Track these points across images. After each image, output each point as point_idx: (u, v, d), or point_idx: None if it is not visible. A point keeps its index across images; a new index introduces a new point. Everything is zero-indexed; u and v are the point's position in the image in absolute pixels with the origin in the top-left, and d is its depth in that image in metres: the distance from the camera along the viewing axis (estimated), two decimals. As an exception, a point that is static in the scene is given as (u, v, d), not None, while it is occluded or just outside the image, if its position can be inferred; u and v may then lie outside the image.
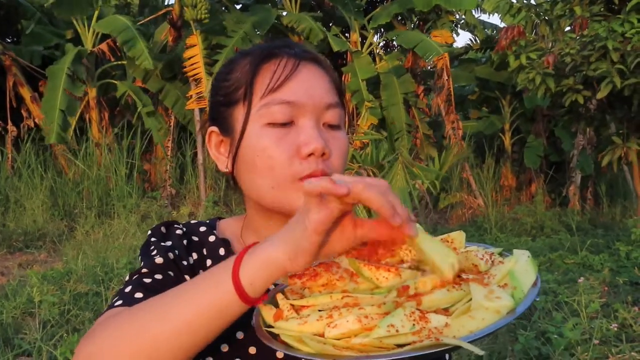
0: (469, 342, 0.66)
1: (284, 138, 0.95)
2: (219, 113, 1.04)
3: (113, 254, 6.40)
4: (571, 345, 3.95)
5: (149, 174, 10.86)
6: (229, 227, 1.12)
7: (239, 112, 0.99)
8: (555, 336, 4.01)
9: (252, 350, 0.98)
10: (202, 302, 0.77)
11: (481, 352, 0.66)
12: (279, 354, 0.97)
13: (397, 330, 0.68)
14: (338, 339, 0.70)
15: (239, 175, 1.02)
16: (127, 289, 0.93)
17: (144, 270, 0.97)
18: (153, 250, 1.01)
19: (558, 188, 11.29)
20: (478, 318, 0.68)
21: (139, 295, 0.90)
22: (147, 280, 0.94)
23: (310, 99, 0.97)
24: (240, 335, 0.98)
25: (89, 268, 5.75)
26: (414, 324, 0.68)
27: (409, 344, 0.68)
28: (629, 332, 4.30)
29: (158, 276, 0.96)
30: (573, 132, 10.79)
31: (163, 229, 1.08)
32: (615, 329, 4.21)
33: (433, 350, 0.66)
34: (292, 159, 0.94)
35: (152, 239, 1.05)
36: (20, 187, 9.02)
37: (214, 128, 1.05)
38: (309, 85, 0.98)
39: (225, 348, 0.98)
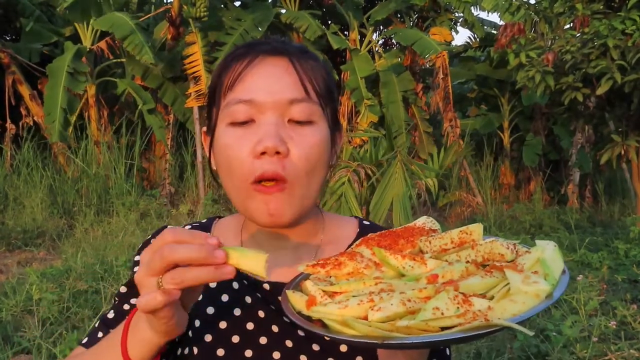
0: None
1: (244, 137, 0.94)
2: (207, 113, 1.05)
3: (112, 252, 6.40)
4: (570, 343, 3.96)
5: (148, 172, 10.85)
6: (227, 226, 1.13)
7: (214, 112, 1.00)
8: (554, 334, 4.02)
9: (248, 353, 0.98)
10: None
11: (531, 333, 0.69)
12: (275, 355, 0.98)
13: (442, 313, 0.68)
14: (382, 322, 0.71)
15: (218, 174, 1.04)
16: (97, 324, 1.03)
17: (116, 298, 1.07)
18: (130, 275, 1.07)
19: (557, 186, 11.30)
20: (519, 302, 0.69)
21: (100, 335, 1.01)
22: (110, 316, 1.04)
23: (270, 96, 0.94)
24: (236, 339, 0.99)
25: (88, 266, 5.75)
26: (458, 307, 0.69)
27: (453, 326, 0.68)
28: (628, 330, 4.31)
29: (126, 306, 1.04)
30: (572, 130, 10.79)
31: (153, 240, 1.09)
32: (614, 326, 4.21)
33: (481, 332, 0.67)
34: (248, 157, 0.93)
35: (136, 258, 1.09)
36: (20, 185, 9.01)
37: (204, 128, 1.07)
38: (269, 81, 0.95)
39: (221, 352, 0.98)
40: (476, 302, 0.70)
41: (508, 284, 0.72)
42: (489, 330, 0.67)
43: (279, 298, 0.84)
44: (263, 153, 0.92)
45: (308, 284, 0.81)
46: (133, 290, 1.03)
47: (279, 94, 0.95)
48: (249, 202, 0.94)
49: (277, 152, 0.92)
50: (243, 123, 0.95)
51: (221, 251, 0.75)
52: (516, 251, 0.80)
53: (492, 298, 0.72)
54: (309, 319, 0.77)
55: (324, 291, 0.79)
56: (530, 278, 0.72)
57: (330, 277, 0.82)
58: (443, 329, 0.69)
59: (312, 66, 0.99)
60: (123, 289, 1.06)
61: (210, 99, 1.03)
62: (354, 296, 0.76)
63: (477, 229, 0.85)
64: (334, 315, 0.74)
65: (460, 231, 0.85)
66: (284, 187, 0.93)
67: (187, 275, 0.74)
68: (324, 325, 0.75)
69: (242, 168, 0.93)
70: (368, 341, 0.70)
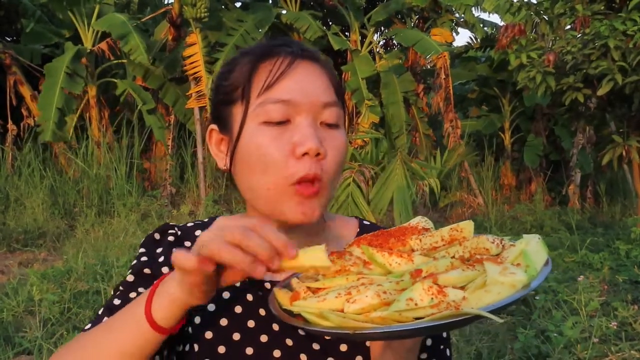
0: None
1: (280, 137, 0.95)
2: (219, 112, 1.04)
3: (113, 253, 6.40)
4: (571, 344, 3.95)
5: (149, 172, 10.86)
6: None
7: (237, 111, 0.99)
8: (555, 334, 4.02)
9: (249, 350, 0.98)
10: (125, 338, 0.86)
11: (501, 320, 0.69)
12: (276, 353, 0.98)
13: (416, 304, 0.69)
14: (358, 314, 0.72)
15: (236, 173, 1.03)
16: (100, 311, 1.01)
17: (121, 287, 1.04)
18: (135, 264, 1.06)
19: (558, 187, 11.30)
20: (494, 292, 0.70)
21: (106, 319, 0.97)
22: (117, 302, 1.01)
23: (307, 98, 0.96)
24: (236, 336, 0.99)
25: (89, 266, 5.75)
26: (432, 298, 0.70)
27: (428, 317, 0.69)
28: (629, 331, 4.31)
29: (132, 294, 1.01)
30: (573, 130, 10.79)
31: (157, 235, 1.10)
32: (615, 327, 4.21)
33: (453, 320, 0.67)
34: (287, 159, 0.94)
35: (140, 250, 1.09)
36: (21, 185, 9.02)
37: (214, 126, 1.05)
38: (305, 83, 0.97)
39: (222, 350, 0.98)
40: (451, 292, 0.71)
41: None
42: (461, 319, 0.67)
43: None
44: (304, 154, 0.94)
45: (294, 282, 0.84)
46: (140, 279, 1.03)
47: (314, 96, 0.97)
48: (284, 201, 0.95)
49: (318, 154, 0.94)
50: (279, 123, 0.96)
51: (278, 261, 0.75)
52: (502, 245, 0.81)
53: None
54: (291, 313, 0.78)
55: (308, 287, 0.81)
56: (508, 269, 0.72)
57: (319, 274, 0.83)
58: (418, 319, 0.69)
59: (334, 72, 1.04)
60: (130, 278, 1.04)
61: (227, 96, 1.01)
62: (334, 291, 0.77)
63: (467, 226, 0.86)
64: (312, 308, 0.75)
65: (451, 229, 0.86)
66: (318, 189, 0.96)
67: (225, 255, 0.73)
68: (305, 319, 0.76)
69: (281, 169, 0.94)
70: (340, 331, 0.71)
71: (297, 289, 0.81)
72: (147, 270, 1.04)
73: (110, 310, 0.99)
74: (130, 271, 1.06)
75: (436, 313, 0.68)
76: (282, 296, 0.82)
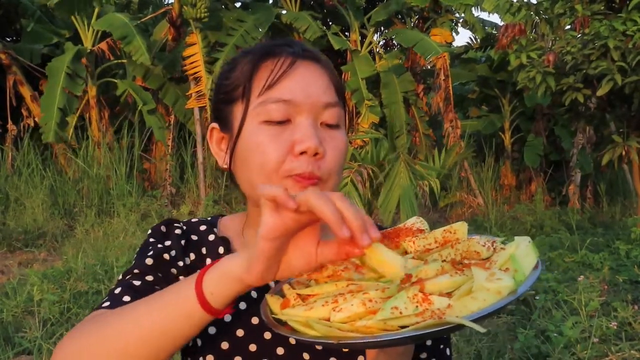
0: (471, 321, 0.66)
1: (279, 135, 0.96)
2: (220, 111, 1.04)
3: (113, 253, 6.41)
4: (571, 344, 3.96)
5: (148, 172, 10.86)
6: (230, 224, 1.13)
7: (238, 110, 1.00)
8: (555, 334, 4.02)
9: (253, 347, 0.99)
10: (169, 311, 0.81)
11: (483, 330, 0.68)
12: (279, 350, 0.98)
13: (400, 312, 0.69)
14: (344, 323, 0.71)
15: (236, 171, 1.03)
16: (117, 290, 0.96)
17: (136, 270, 1.00)
18: (149, 250, 1.04)
19: (558, 187, 11.30)
20: (480, 299, 0.69)
21: (126, 298, 0.94)
22: (137, 283, 0.97)
23: (308, 98, 0.97)
24: (240, 333, 1.00)
25: (89, 267, 5.76)
26: (417, 306, 0.69)
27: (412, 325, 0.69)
28: (629, 331, 4.31)
29: (149, 277, 0.99)
30: (573, 130, 10.80)
31: (163, 228, 1.09)
32: (615, 327, 4.22)
33: (436, 329, 0.67)
34: (285, 156, 0.95)
35: (151, 240, 1.07)
36: (21, 185, 9.02)
37: (215, 124, 1.06)
38: (306, 83, 0.98)
39: (225, 346, 0.99)
40: (436, 300, 0.70)
41: None
42: (445, 327, 0.67)
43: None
44: (302, 153, 0.94)
45: (285, 288, 0.83)
46: (159, 263, 1.02)
47: (315, 96, 0.98)
48: None
49: (316, 154, 0.95)
50: (279, 122, 0.96)
51: (368, 238, 0.70)
52: (493, 248, 0.80)
53: None
54: (279, 321, 0.78)
55: (298, 294, 0.80)
56: (495, 275, 0.71)
57: (311, 280, 0.83)
58: (404, 327, 0.69)
59: (335, 73, 1.04)
60: (149, 261, 1.02)
61: (228, 95, 1.02)
62: (324, 298, 0.77)
63: (461, 227, 0.85)
64: (299, 317, 0.75)
65: (444, 230, 0.85)
66: (316, 183, 0.96)
67: (318, 201, 0.68)
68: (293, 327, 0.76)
69: (278, 165, 0.95)
70: (325, 341, 0.71)
71: (288, 295, 0.81)
72: (166, 256, 1.03)
73: (132, 289, 0.96)
74: (136, 257, 1.04)
75: (420, 322, 0.68)
76: (273, 302, 0.82)
